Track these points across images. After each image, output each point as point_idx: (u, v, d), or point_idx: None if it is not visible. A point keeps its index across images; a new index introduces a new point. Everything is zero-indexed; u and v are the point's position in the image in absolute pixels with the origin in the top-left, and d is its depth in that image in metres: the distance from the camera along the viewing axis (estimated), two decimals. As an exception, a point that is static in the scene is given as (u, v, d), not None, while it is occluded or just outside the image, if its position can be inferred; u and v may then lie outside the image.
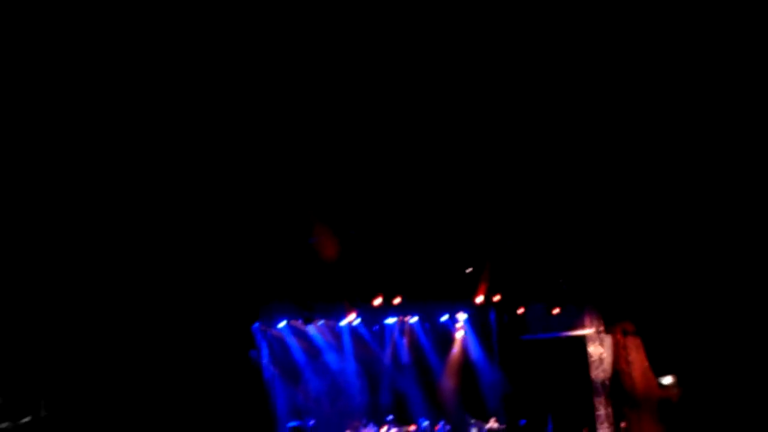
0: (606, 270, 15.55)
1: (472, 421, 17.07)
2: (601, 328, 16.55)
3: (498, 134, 12.47)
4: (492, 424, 16.82)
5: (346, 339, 16.65)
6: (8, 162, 9.94)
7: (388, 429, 15.95)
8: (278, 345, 15.50)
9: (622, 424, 16.21)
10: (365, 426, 15.78)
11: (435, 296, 15.68)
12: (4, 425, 10.11)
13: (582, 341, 16.77)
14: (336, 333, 16.55)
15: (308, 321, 14.80)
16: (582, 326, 16.74)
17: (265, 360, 14.61)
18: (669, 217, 13.99)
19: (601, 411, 16.42)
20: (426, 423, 16.60)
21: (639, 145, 12.56)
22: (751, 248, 13.57)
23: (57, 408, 10.51)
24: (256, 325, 14.17)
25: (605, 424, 16.32)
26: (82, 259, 10.80)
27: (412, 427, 16.50)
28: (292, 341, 15.79)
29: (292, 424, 15.10)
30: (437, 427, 16.62)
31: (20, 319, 10.42)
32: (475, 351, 18.25)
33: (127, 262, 11.16)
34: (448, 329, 18.22)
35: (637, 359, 15.90)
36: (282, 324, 15.33)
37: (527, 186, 13.52)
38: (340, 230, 13.40)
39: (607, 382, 16.43)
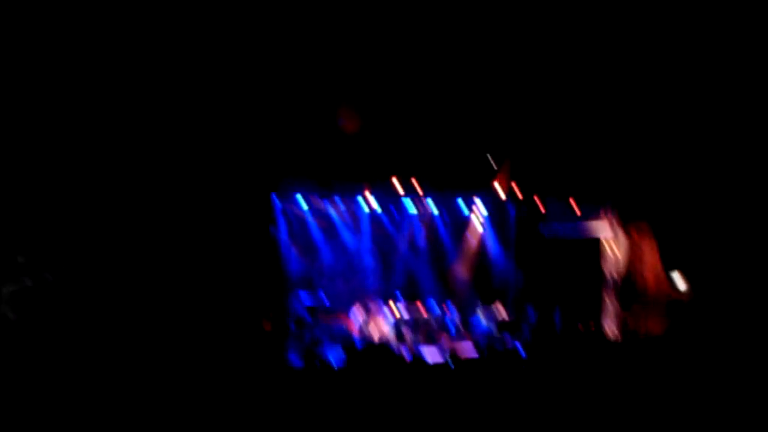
0: (627, 168, 15.49)
1: (481, 305, 17.37)
2: (618, 226, 16.59)
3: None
4: (501, 312, 17.10)
5: (364, 220, 16.80)
6: None
7: (398, 308, 16.25)
8: (296, 221, 15.69)
9: (629, 321, 16.47)
10: (375, 303, 16.07)
11: (455, 184, 15.69)
12: (7, 288, 10.25)
13: (596, 239, 16.84)
14: (354, 214, 16.68)
15: (326, 198, 14.89)
16: (599, 224, 16.78)
17: (283, 235, 14.81)
18: (693, 122, 13.83)
19: (610, 307, 16.65)
20: (434, 304, 16.90)
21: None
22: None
23: (63, 273, 10.63)
24: (276, 201, 14.29)
25: (613, 321, 16.56)
26: (94, 123, 10.76)
27: (420, 305, 16.82)
28: (310, 218, 15.97)
29: (307, 302, 15.43)
30: (445, 308, 16.93)
31: (25, 183, 10.46)
32: (491, 241, 18.40)
33: (145, 127, 11.13)
34: (466, 217, 18.31)
35: (651, 260, 16.01)
36: (301, 201, 15.46)
37: (552, 80, 13.33)
38: (365, 111, 13.31)
39: (618, 281, 16.59)
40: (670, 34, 12.35)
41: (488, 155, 15.53)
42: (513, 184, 16.05)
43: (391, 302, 16.31)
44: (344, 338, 15.46)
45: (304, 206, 15.67)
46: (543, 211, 17.17)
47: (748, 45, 12.22)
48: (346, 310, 15.72)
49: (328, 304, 15.72)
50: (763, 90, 12.80)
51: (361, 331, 15.38)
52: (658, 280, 15.87)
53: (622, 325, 16.46)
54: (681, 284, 15.60)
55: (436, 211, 17.77)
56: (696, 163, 14.31)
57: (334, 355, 14.19)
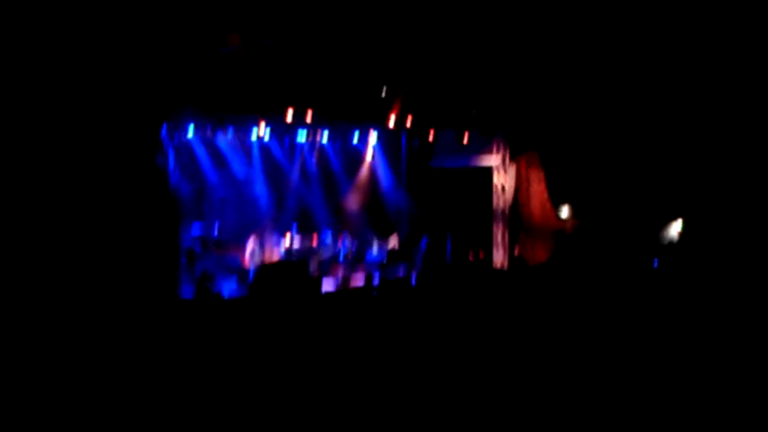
0: (516, 99, 15.78)
1: (375, 238, 17.59)
2: (507, 158, 16.96)
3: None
4: (393, 242, 17.37)
5: (255, 152, 16.58)
6: None
7: (291, 237, 16.26)
8: (186, 154, 15.33)
9: (516, 250, 17.01)
10: (270, 235, 16.00)
11: (348, 115, 15.63)
12: None
13: (488, 170, 17.18)
14: (245, 145, 16.44)
15: (217, 129, 14.58)
16: (489, 155, 17.11)
17: (172, 167, 14.45)
18: (582, 49, 14.12)
19: (499, 237, 17.12)
20: (329, 236, 16.99)
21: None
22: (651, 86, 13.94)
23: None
24: (164, 129, 13.90)
25: (501, 249, 17.05)
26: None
27: (315, 240, 16.87)
28: (201, 151, 15.64)
29: (195, 232, 15.19)
30: (339, 241, 17.06)
31: None
32: (383, 173, 18.53)
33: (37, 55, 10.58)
34: (358, 150, 18.34)
35: (538, 190, 16.51)
36: (191, 132, 15.10)
37: (444, 9, 13.32)
38: (254, 39, 13.00)
39: (507, 211, 17.03)
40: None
41: (382, 86, 15.49)
42: (405, 116, 16.09)
43: (285, 234, 16.28)
44: (237, 270, 15.40)
45: (194, 136, 15.31)
46: (433, 142, 17.34)
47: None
48: (239, 241, 15.60)
49: (218, 235, 15.54)
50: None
51: (253, 263, 15.32)
52: (545, 210, 16.40)
53: (510, 254, 16.98)
54: (566, 214, 16.18)
55: (328, 142, 17.73)
56: (582, 92, 14.68)
57: (227, 288, 14.13)
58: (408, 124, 16.43)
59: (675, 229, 14.48)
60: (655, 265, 13.41)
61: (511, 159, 16.92)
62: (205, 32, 12.32)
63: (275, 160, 17.09)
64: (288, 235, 16.24)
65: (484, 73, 15.15)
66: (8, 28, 10.25)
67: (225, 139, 15.94)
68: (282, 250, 15.92)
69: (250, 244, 15.40)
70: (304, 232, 16.74)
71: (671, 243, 14.40)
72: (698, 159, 13.83)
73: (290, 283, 3.33)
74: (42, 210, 10.52)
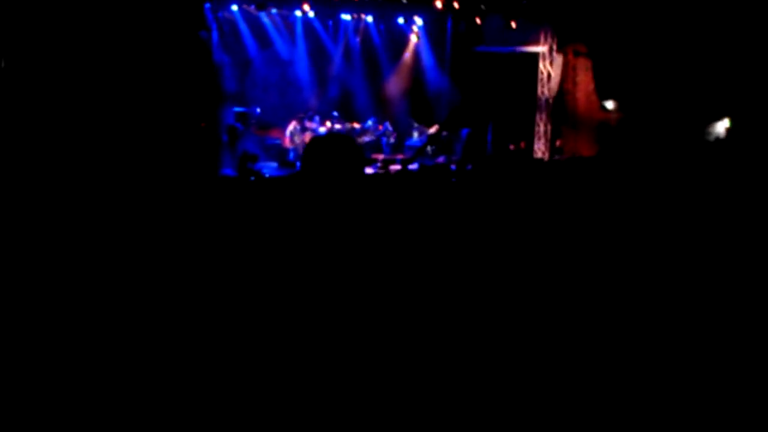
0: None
1: (416, 125, 17.51)
2: (555, 47, 16.57)
3: None
4: (434, 130, 17.27)
5: (299, 31, 16.40)
6: None
7: (332, 123, 16.24)
8: (229, 30, 15.22)
9: (558, 142, 16.84)
10: (310, 119, 16.00)
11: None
12: None
13: (534, 58, 16.82)
14: (289, 24, 16.24)
15: (261, 8, 14.40)
16: (536, 43, 16.71)
17: (215, 43, 14.38)
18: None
19: (541, 127, 16.93)
20: (371, 122, 16.94)
21: None
22: None
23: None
24: (208, 5, 13.76)
25: (542, 140, 16.89)
26: None
27: (356, 125, 16.85)
28: (244, 27, 15.50)
29: (238, 109, 15.24)
30: (381, 128, 17.02)
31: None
32: (427, 58, 18.26)
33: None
34: (403, 32, 18.02)
35: (584, 81, 16.17)
36: (234, 7, 14.94)
37: None
38: None
39: (551, 101, 16.77)
40: None
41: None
42: (452, 2, 15.69)
43: (327, 120, 16.26)
44: (278, 151, 15.50)
45: (238, 13, 15.15)
46: (480, 27, 16.93)
47: None
48: (281, 123, 15.63)
49: (260, 114, 15.57)
50: None
51: (293, 144, 15.39)
52: (590, 101, 16.11)
53: (551, 146, 16.83)
54: (611, 107, 15.89)
55: (372, 23, 17.44)
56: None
57: (268, 168, 14.26)
58: (456, 6, 16.02)
59: (722, 126, 14.21)
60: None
61: (559, 49, 16.53)
62: None
63: (319, 40, 16.91)
64: (329, 123, 16.20)
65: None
66: None
67: (271, 20, 15.78)
68: (322, 132, 15.94)
69: (291, 126, 15.43)
70: (345, 117, 16.71)
71: (718, 139, 14.15)
72: (748, 56, 13.42)
73: (341, 156, 3.31)
74: (87, 83, 10.60)
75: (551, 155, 16.56)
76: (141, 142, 10.91)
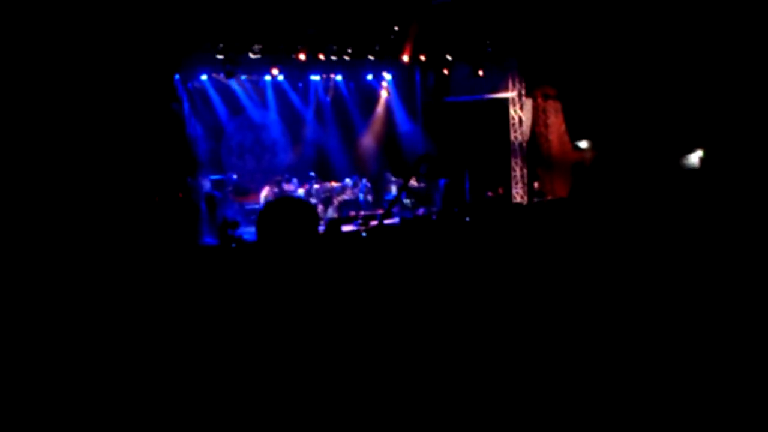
0: (531, 33, 15.51)
1: (393, 179, 17.57)
2: (523, 91, 16.77)
3: None
4: (412, 182, 17.32)
5: (270, 95, 16.51)
6: None
7: (311, 185, 16.26)
8: (200, 99, 15.29)
9: (535, 185, 16.94)
10: (288, 181, 16.02)
11: (361, 54, 15.46)
12: None
13: (504, 104, 17.02)
14: (259, 88, 16.36)
15: (230, 75, 14.50)
16: (505, 89, 16.92)
17: (187, 113, 14.44)
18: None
19: (517, 172, 17.04)
20: (348, 180, 16.98)
21: None
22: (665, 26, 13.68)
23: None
24: (177, 77, 13.84)
25: (519, 184, 16.99)
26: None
27: (334, 184, 16.87)
28: (215, 95, 15.59)
29: (214, 177, 15.23)
30: (359, 184, 17.07)
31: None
32: (399, 111, 18.42)
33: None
34: (373, 88, 18.20)
35: (555, 123, 16.35)
36: (204, 77, 15.04)
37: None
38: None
39: (524, 145, 16.91)
40: None
41: (394, 22, 15.26)
42: (419, 51, 15.89)
43: (304, 182, 16.28)
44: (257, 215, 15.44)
45: (208, 82, 15.25)
46: (449, 77, 17.13)
47: None
48: (258, 188, 15.64)
49: (237, 181, 15.58)
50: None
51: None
52: (563, 142, 16.26)
53: (529, 189, 16.91)
54: (585, 146, 16.03)
55: (342, 81, 17.61)
56: (597, 25, 14.41)
57: (250, 234, 14.21)
58: (422, 60, 16.24)
59: (696, 156, 14.35)
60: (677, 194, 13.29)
61: (528, 93, 16.74)
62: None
63: (291, 102, 17.03)
64: (306, 180, 16.23)
65: (498, 5, 14.89)
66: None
67: (241, 86, 15.89)
68: (300, 194, 15.94)
69: (265, 190, 15.43)
70: (323, 177, 16.75)
71: (692, 170, 14.28)
72: (717, 87, 13.62)
73: (296, 223, 3.28)
74: (62, 159, 10.57)
75: (530, 198, 16.63)
76: (119, 216, 10.85)
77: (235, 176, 15.61)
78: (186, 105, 14.39)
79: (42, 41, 10.46)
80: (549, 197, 16.67)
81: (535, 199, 16.42)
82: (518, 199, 16.78)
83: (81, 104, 10.85)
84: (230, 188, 15.36)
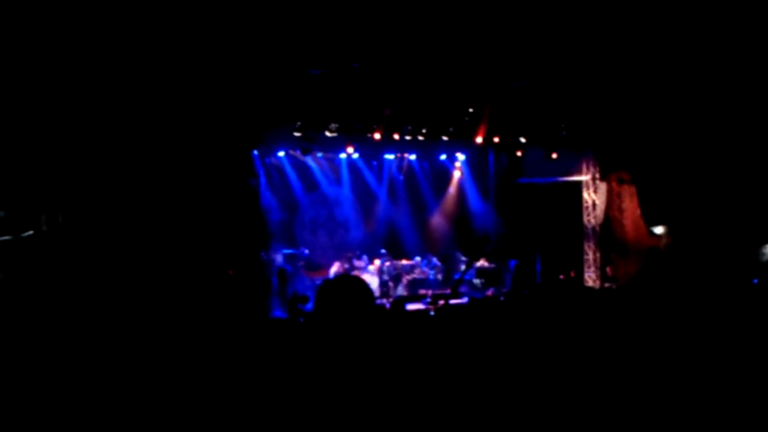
0: (606, 118, 15.49)
1: (463, 258, 17.51)
2: (597, 175, 16.67)
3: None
4: (482, 262, 17.24)
5: (344, 172, 16.80)
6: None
7: (381, 262, 16.33)
8: (276, 174, 15.67)
9: (608, 269, 16.65)
10: (358, 258, 16.14)
11: (435, 135, 15.66)
12: (4, 238, 10.24)
13: (577, 187, 16.93)
14: (334, 165, 16.68)
15: (307, 152, 14.84)
16: (578, 172, 16.86)
17: (263, 188, 14.78)
18: (674, 73, 13.78)
19: (590, 255, 16.81)
20: (418, 258, 17.01)
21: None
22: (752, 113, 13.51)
23: (57, 223, 10.62)
24: (255, 152, 14.25)
25: (592, 268, 16.75)
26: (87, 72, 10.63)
27: (404, 262, 16.91)
28: (291, 171, 15.95)
29: (287, 251, 15.45)
30: (427, 259, 17.06)
31: (21, 132, 10.38)
32: (471, 191, 18.48)
33: (133, 77, 10.99)
34: (446, 168, 18.35)
35: (630, 207, 16.14)
36: (281, 153, 15.43)
37: (532, 27, 13.19)
38: (344, 62, 13.18)
39: (598, 228, 16.73)
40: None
41: (469, 104, 15.45)
42: (493, 133, 16.00)
43: (375, 259, 16.38)
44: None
45: (285, 159, 15.64)
46: (522, 158, 17.18)
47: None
48: (330, 263, 15.79)
49: (309, 256, 15.76)
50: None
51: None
52: (638, 227, 16.01)
53: (602, 274, 16.65)
54: (659, 232, 15.75)
55: (415, 161, 17.82)
56: (672, 109, 14.32)
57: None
58: (496, 142, 16.34)
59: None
60: (755, 282, 12.90)
61: (602, 177, 16.63)
62: (296, 56, 12.56)
63: (364, 180, 17.28)
64: (378, 261, 16.32)
65: (574, 90, 14.95)
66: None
67: (317, 163, 16.24)
68: (370, 271, 16.02)
69: (335, 267, 15.56)
70: (393, 255, 16.83)
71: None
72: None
73: (351, 301, 3.33)
74: (141, 229, 10.89)
75: (602, 283, 16.35)
76: (192, 287, 11.05)
77: (307, 251, 15.81)
78: (263, 180, 14.75)
79: (132, 114, 10.93)
80: (622, 282, 16.35)
81: (607, 285, 16.12)
82: (590, 283, 16.50)
83: (163, 176, 11.23)
84: (302, 263, 15.55)
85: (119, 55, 10.76)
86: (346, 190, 16.99)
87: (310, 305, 13.71)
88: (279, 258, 15.03)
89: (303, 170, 16.18)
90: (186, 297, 10.54)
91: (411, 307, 13.85)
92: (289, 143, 14.89)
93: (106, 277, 10.33)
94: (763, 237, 14.00)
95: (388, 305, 11.38)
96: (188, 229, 11.43)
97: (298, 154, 15.33)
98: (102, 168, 10.79)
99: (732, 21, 11.98)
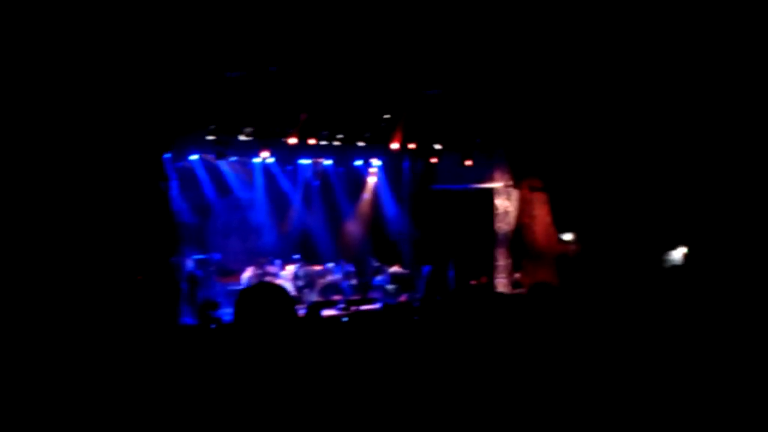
0: (519, 126, 15.76)
1: (377, 264, 17.55)
2: (510, 182, 16.93)
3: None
4: (395, 268, 17.31)
5: (259, 176, 16.61)
6: None
7: (296, 268, 16.21)
8: (189, 178, 15.37)
9: (517, 275, 16.91)
10: (271, 263, 15.98)
11: (351, 140, 15.65)
12: None
13: (490, 194, 17.15)
14: (248, 170, 16.47)
15: (221, 156, 14.61)
16: (491, 179, 17.09)
17: (175, 192, 14.48)
18: (584, 82, 14.10)
19: (501, 262, 17.05)
20: (332, 264, 16.95)
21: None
22: (660, 118, 13.92)
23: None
24: (167, 156, 13.94)
25: (503, 274, 16.98)
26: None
27: (318, 267, 16.83)
28: (203, 175, 15.68)
29: (197, 256, 15.17)
30: (341, 265, 17.03)
31: None
32: (386, 197, 18.55)
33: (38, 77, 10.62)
34: (362, 174, 18.36)
35: (541, 214, 16.44)
36: (194, 156, 15.15)
37: (447, 35, 13.32)
38: (260, 66, 13.03)
39: (509, 235, 16.98)
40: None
41: (385, 111, 15.49)
42: (408, 140, 16.08)
43: (288, 264, 16.24)
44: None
45: (198, 163, 15.36)
46: (437, 165, 17.32)
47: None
48: (242, 269, 15.56)
49: (221, 261, 15.51)
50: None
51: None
52: (548, 234, 16.33)
53: (513, 280, 16.90)
54: (570, 239, 16.10)
55: (330, 166, 17.77)
56: (583, 119, 14.66)
57: (230, 315, 14.04)
58: (411, 148, 16.44)
59: (679, 253, 14.42)
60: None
61: (514, 183, 16.90)
62: (210, 59, 12.35)
63: (279, 185, 17.13)
64: (292, 266, 16.18)
65: (488, 98, 15.15)
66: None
67: (228, 165, 16.00)
68: (283, 276, 15.87)
69: (248, 272, 15.35)
70: (307, 260, 16.72)
71: (675, 266, 14.33)
72: (703, 182, 13.78)
73: (270, 306, 3.29)
74: (46, 234, 10.52)
75: (513, 289, 16.61)
76: (100, 292, 10.74)
77: (218, 256, 15.55)
78: (174, 184, 14.45)
79: (37, 114, 10.55)
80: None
81: (518, 290, 16.39)
82: (501, 289, 16.74)
83: (70, 178, 10.88)
84: (213, 268, 15.29)
85: (23, 54, 10.38)
86: (259, 195, 16.79)
87: (220, 311, 13.50)
88: (190, 263, 14.73)
89: (216, 174, 15.92)
90: (93, 303, 10.23)
91: (325, 313, 13.79)
92: (202, 147, 14.62)
93: (7, 283, 9.94)
94: (668, 243, 14.48)
95: (303, 311, 11.29)
96: (96, 233, 11.09)
97: (211, 158, 15.06)
98: (4, 169, 10.37)
99: (638, 27, 12.34)
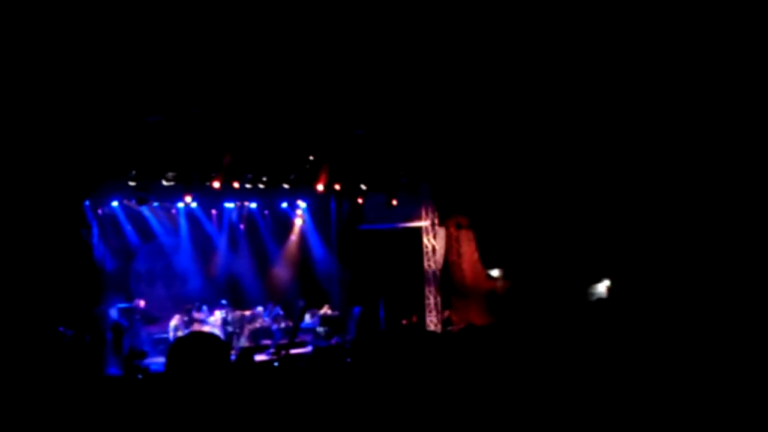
0: (443, 164, 15.93)
1: (306, 306, 17.37)
2: (436, 221, 17.06)
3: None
4: (325, 310, 17.18)
5: (182, 222, 16.35)
6: None
7: (224, 314, 15.93)
8: (110, 225, 15.02)
9: (446, 313, 16.97)
10: (198, 309, 15.67)
11: (276, 182, 15.55)
12: None
13: (417, 232, 17.25)
14: (172, 215, 16.20)
15: (142, 202, 14.33)
16: (418, 218, 17.20)
17: (96, 239, 14.13)
18: (507, 120, 14.35)
19: (431, 300, 17.10)
20: (261, 308, 16.73)
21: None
22: (584, 156, 14.23)
23: None
24: (87, 203, 13.62)
25: (434, 312, 17.03)
26: None
27: (246, 312, 16.58)
28: (126, 222, 15.34)
29: (122, 305, 14.78)
30: (271, 309, 16.81)
31: None
32: (313, 239, 18.46)
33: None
34: (288, 216, 18.26)
35: (468, 251, 16.59)
36: (115, 203, 14.83)
37: (372, 77, 13.43)
38: (181, 110, 12.89)
39: (438, 273, 17.06)
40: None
41: (309, 152, 15.46)
42: (334, 181, 16.07)
43: (216, 309, 15.94)
44: (167, 346, 14.96)
45: (119, 209, 15.03)
46: (363, 205, 17.34)
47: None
48: (168, 316, 15.21)
49: (145, 308, 15.14)
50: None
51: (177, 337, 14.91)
52: (476, 271, 16.46)
53: (443, 318, 16.95)
54: (497, 275, 16.26)
55: (256, 209, 17.62)
56: (507, 157, 14.89)
57: (157, 365, 13.69)
58: (337, 189, 16.43)
59: (603, 286, 14.69)
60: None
61: (441, 222, 17.04)
62: (129, 103, 12.16)
63: (203, 229, 16.88)
64: (219, 312, 15.89)
65: (411, 138, 15.28)
66: None
67: (153, 213, 15.70)
68: (211, 322, 15.57)
69: (174, 320, 15.02)
70: (234, 305, 16.46)
71: (600, 299, 14.58)
72: (625, 216, 14.08)
73: (206, 355, 3.23)
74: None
75: (443, 327, 16.65)
76: (22, 347, 10.33)
77: (142, 303, 15.18)
78: (95, 231, 14.10)
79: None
80: (462, 325, 16.68)
81: (448, 328, 16.44)
82: (432, 328, 16.77)
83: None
84: (138, 316, 14.91)
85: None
86: (184, 241, 16.51)
87: (147, 360, 13.15)
88: (114, 312, 14.33)
89: (138, 220, 15.59)
90: (12, 356, 9.82)
91: (257, 358, 13.56)
92: (123, 193, 14.32)
93: None
94: (591, 278, 14.75)
95: (233, 357, 11.07)
96: (14, 283, 10.72)
97: (133, 203, 14.76)
98: None
99: (551, 67, 12.63)
